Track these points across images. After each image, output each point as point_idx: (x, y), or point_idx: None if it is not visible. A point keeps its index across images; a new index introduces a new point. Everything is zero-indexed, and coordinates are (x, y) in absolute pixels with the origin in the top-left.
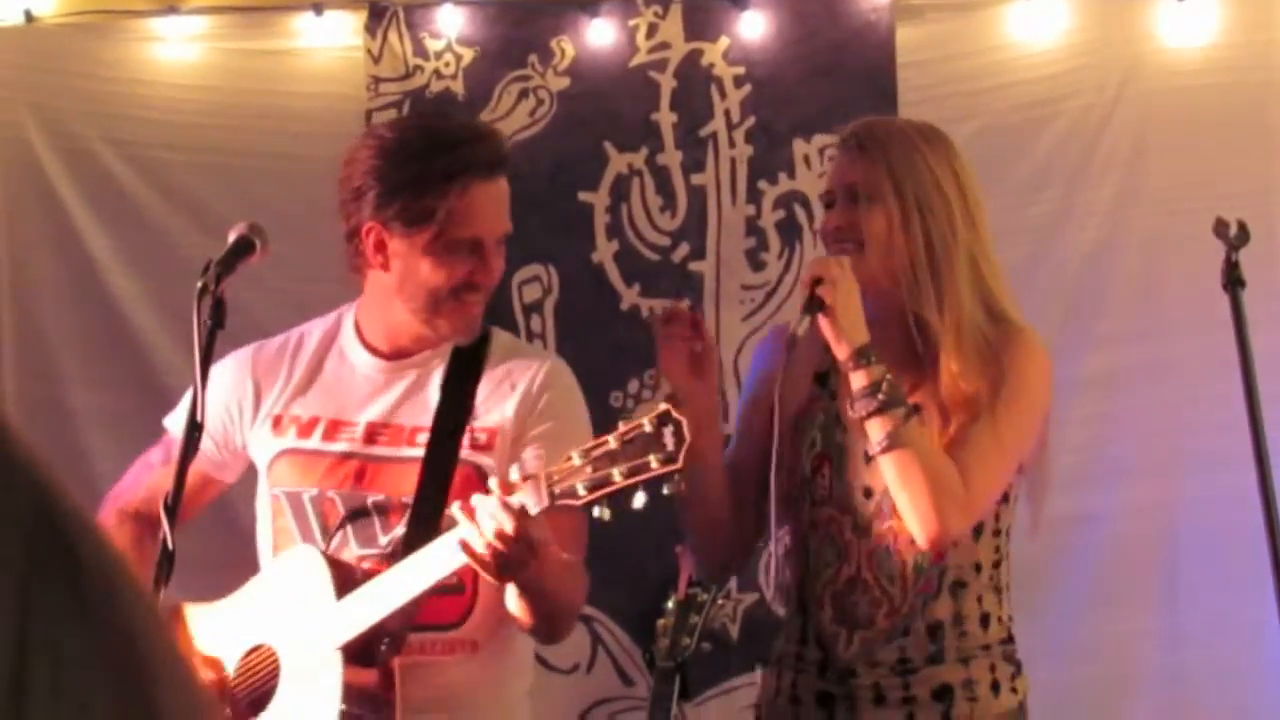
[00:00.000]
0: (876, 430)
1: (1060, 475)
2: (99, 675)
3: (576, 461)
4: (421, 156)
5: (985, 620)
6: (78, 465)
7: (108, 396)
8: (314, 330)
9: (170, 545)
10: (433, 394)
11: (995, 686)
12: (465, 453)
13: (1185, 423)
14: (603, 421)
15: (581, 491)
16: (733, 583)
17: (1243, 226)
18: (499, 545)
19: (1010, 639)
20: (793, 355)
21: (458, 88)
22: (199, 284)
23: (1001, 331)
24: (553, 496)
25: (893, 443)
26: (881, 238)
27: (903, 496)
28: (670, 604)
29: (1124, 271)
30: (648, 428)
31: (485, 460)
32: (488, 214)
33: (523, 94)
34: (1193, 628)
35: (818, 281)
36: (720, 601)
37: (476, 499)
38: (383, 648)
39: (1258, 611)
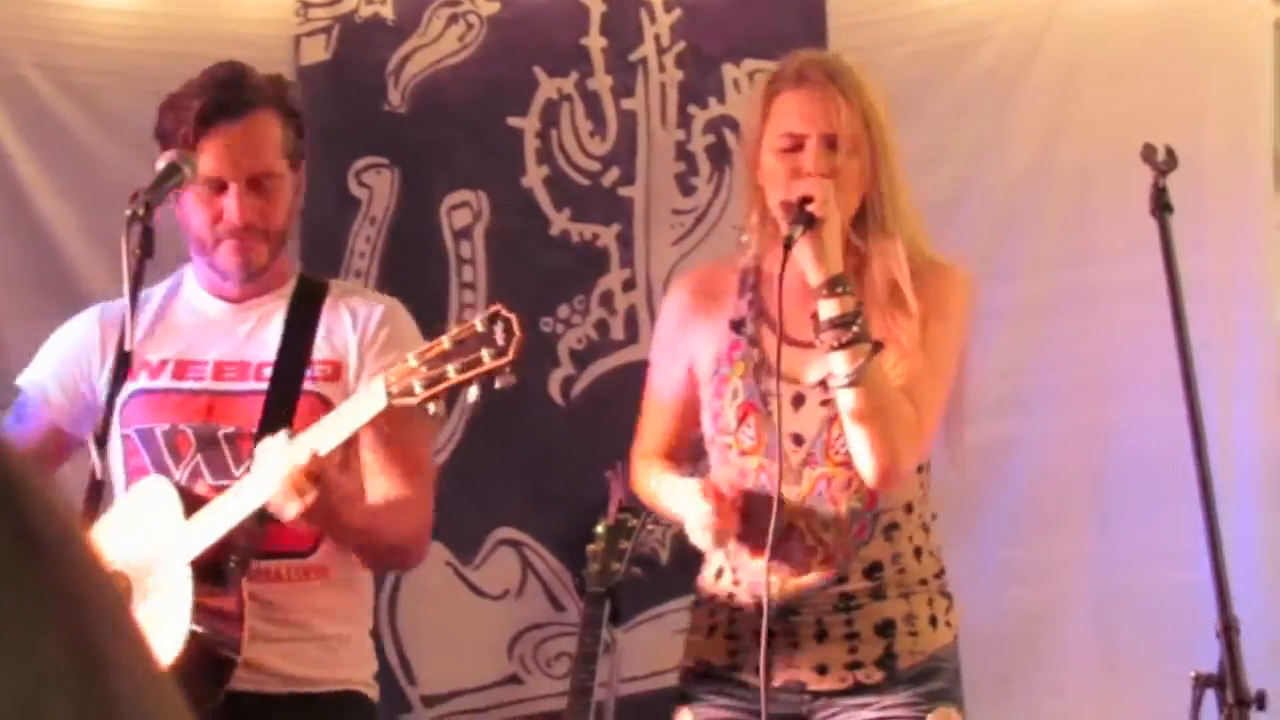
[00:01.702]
0: (844, 363)
1: (988, 400)
2: (47, 633)
3: (412, 363)
4: (175, 105)
5: (919, 554)
6: (7, 399)
7: (40, 327)
8: (159, 286)
9: (99, 475)
10: (276, 331)
11: (933, 620)
12: (309, 384)
13: (1114, 348)
14: (536, 347)
15: (418, 390)
16: None
17: (1170, 152)
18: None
19: (942, 571)
20: (711, 303)
21: (387, 12)
22: (127, 212)
23: (927, 269)
24: (390, 396)
25: (859, 377)
26: (852, 189)
27: (861, 433)
28: (600, 529)
29: (1054, 197)
30: (479, 327)
31: (329, 390)
32: (230, 156)
33: (452, 19)
34: (1123, 553)
35: (806, 200)
36: (650, 527)
37: (265, 441)
38: (231, 565)
39: (1187, 536)
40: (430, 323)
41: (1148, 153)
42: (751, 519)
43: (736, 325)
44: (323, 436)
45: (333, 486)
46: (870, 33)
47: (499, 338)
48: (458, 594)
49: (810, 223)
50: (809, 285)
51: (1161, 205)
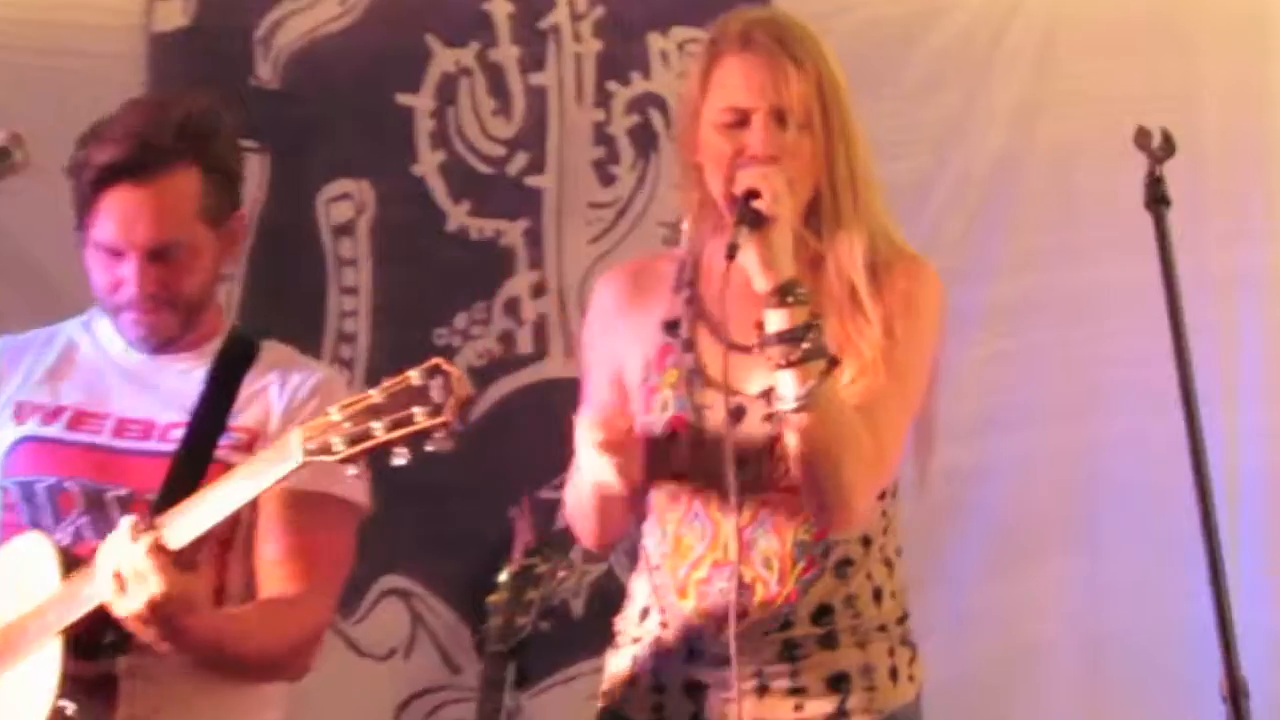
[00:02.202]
0: (792, 384)
1: (960, 420)
2: None
3: (334, 417)
4: (87, 144)
5: (878, 596)
6: None
7: None
8: (69, 324)
9: None
10: (192, 391)
11: (894, 673)
12: (222, 452)
13: (1103, 358)
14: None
15: (338, 447)
16: (576, 551)
17: (1167, 137)
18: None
19: (905, 616)
20: (642, 300)
21: None
22: None
23: (896, 263)
24: (306, 452)
25: (810, 402)
26: (805, 173)
27: (808, 466)
28: (503, 577)
29: (1033, 186)
30: (415, 380)
31: (242, 461)
32: (126, 225)
33: None
34: (1113, 591)
35: (752, 195)
36: (562, 573)
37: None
38: (109, 638)
39: (1188, 571)
40: (305, 335)
41: (1141, 137)
42: (678, 554)
43: (669, 326)
44: (193, 519)
45: (170, 587)
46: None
47: (435, 394)
48: (336, 653)
49: (757, 222)
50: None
51: (1157, 197)
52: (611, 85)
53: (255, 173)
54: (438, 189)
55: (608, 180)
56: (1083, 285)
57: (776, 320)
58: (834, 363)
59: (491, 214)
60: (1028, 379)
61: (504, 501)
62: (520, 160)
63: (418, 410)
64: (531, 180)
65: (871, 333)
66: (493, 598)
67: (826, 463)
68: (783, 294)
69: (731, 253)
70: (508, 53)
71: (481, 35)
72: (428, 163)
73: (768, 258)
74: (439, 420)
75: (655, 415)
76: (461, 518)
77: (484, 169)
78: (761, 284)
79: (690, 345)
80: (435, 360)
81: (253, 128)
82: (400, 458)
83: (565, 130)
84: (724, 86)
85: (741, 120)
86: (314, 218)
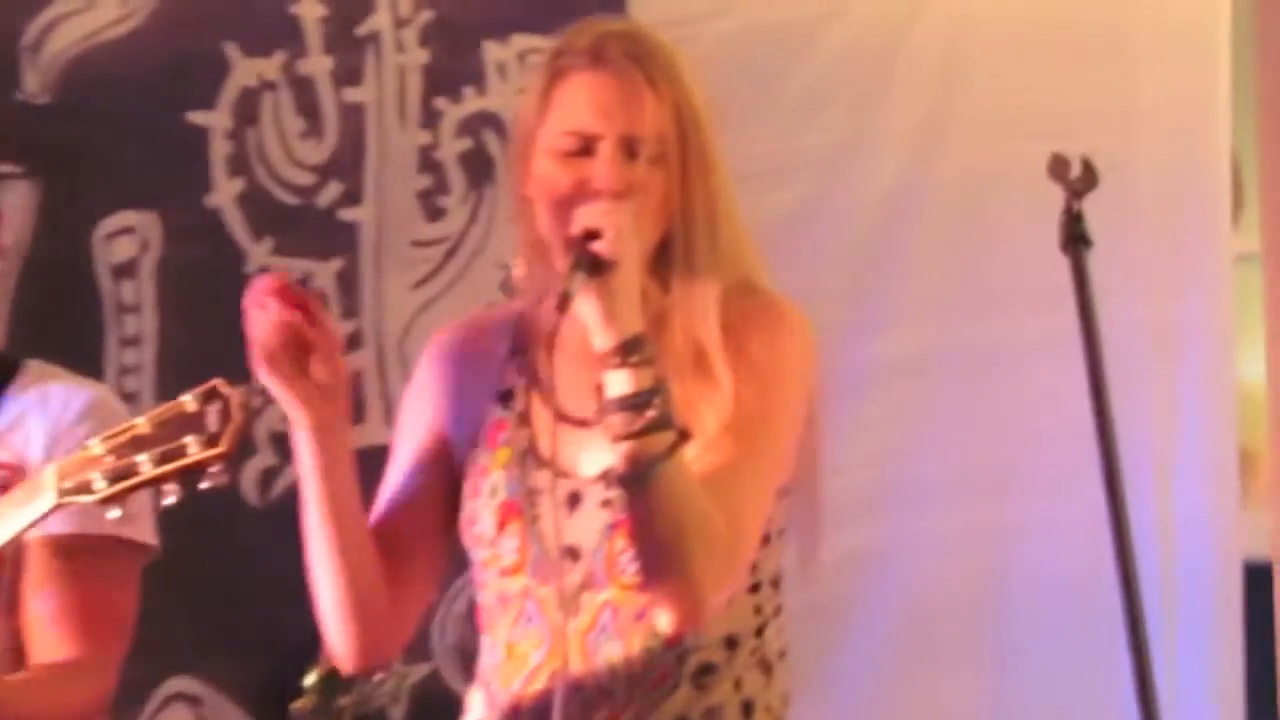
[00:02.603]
0: (632, 461)
1: (853, 497)
2: None
3: (95, 450)
4: None
5: (748, 709)
6: None
7: None
8: None
9: None
10: None
11: None
12: None
13: (1014, 425)
14: None
15: (99, 485)
16: None
17: (1088, 166)
18: None
19: None
20: (474, 365)
21: None
22: None
23: (753, 313)
24: (60, 492)
25: (652, 481)
26: (656, 210)
27: (656, 559)
28: (310, 679)
29: (933, 222)
30: (189, 406)
31: None
32: None
33: None
34: (1030, 699)
35: (592, 235)
36: (379, 675)
37: None
38: None
39: (1116, 678)
40: None
41: (1057, 167)
42: (510, 663)
43: (503, 397)
44: None
45: None
46: (686, 2)
47: (212, 422)
48: None
49: (597, 267)
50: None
51: (1075, 236)
52: (440, 102)
53: (21, 203)
54: (236, 223)
55: (435, 214)
56: (993, 339)
57: (618, 383)
58: (684, 435)
59: (299, 253)
60: (929, 448)
61: (310, 591)
62: (333, 190)
63: (190, 440)
64: (346, 213)
65: (720, 399)
66: (297, 704)
67: (673, 551)
68: (626, 352)
69: (564, 303)
70: (319, 64)
71: (288, 43)
72: (224, 192)
73: (609, 309)
74: (214, 452)
75: (484, 501)
76: (260, 610)
77: (290, 200)
78: (602, 340)
79: (525, 419)
80: (213, 382)
81: (17, 149)
82: (171, 495)
83: (386, 155)
84: (567, 107)
85: (585, 148)
86: (90, 255)
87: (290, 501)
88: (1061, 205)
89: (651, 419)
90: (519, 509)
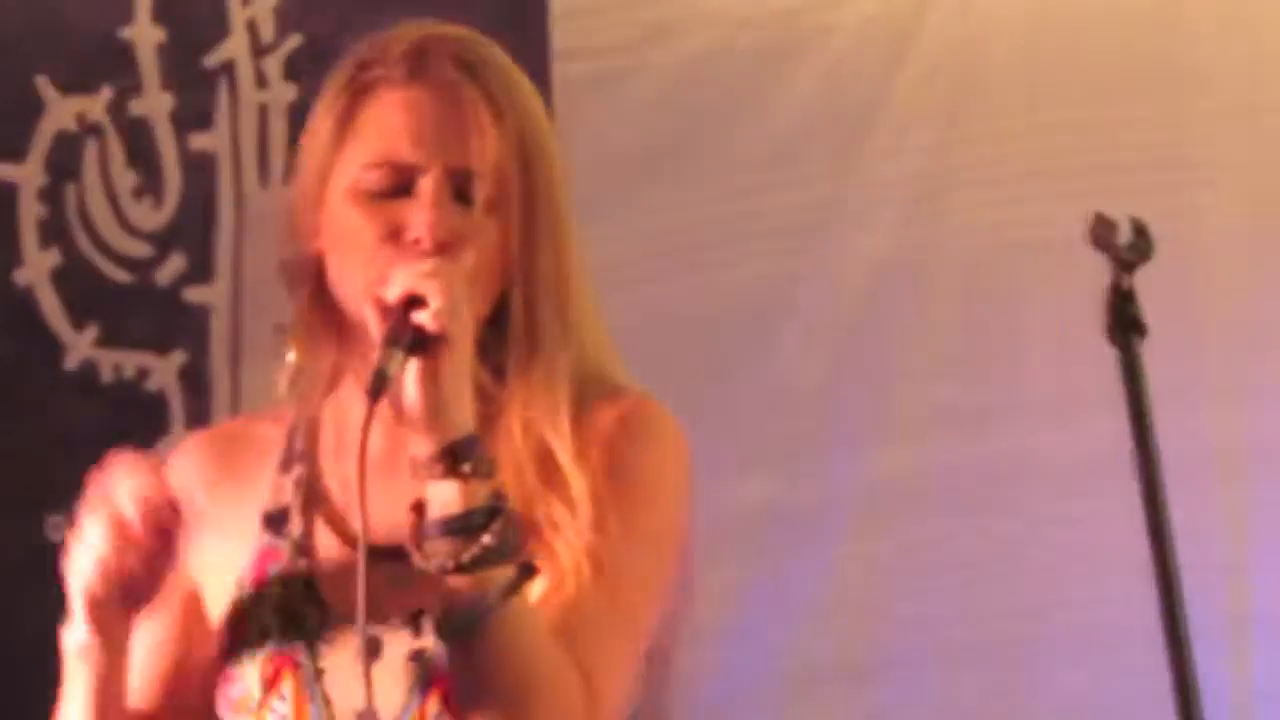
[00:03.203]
0: (460, 601)
1: (824, 664)
2: None
3: None
4: None
5: None
6: None
7: None
8: None
9: None
10: None
11: None
12: None
13: (1045, 580)
14: (32, 564)
15: None
16: None
17: (1141, 230)
18: None
19: None
20: (234, 480)
21: None
22: None
23: (610, 409)
24: None
25: (487, 628)
26: (490, 269)
27: None
28: None
29: (935, 303)
30: None
31: None
32: None
33: None
34: None
35: (414, 303)
36: None
37: None
38: None
39: None
40: None
41: (1100, 230)
42: None
43: (272, 521)
44: None
45: None
46: (614, 19)
47: None
48: None
49: (420, 345)
50: (407, 449)
51: (1125, 321)
52: None
53: None
54: (50, 305)
55: None
56: (1012, 462)
57: (444, 499)
58: (528, 569)
59: (132, 344)
60: (924, 601)
61: None
62: (175, 263)
63: None
64: (193, 293)
65: (574, 521)
66: None
67: (512, 717)
68: (455, 458)
69: (377, 389)
70: (157, 102)
71: (118, 76)
72: (36, 266)
73: (434, 400)
74: None
75: (244, 653)
76: None
77: (121, 276)
78: (423, 444)
79: (304, 548)
80: None
81: None
82: None
83: (243, 219)
84: (375, 133)
85: (399, 185)
86: None
87: None
88: (1107, 281)
89: (487, 546)
90: (294, 661)
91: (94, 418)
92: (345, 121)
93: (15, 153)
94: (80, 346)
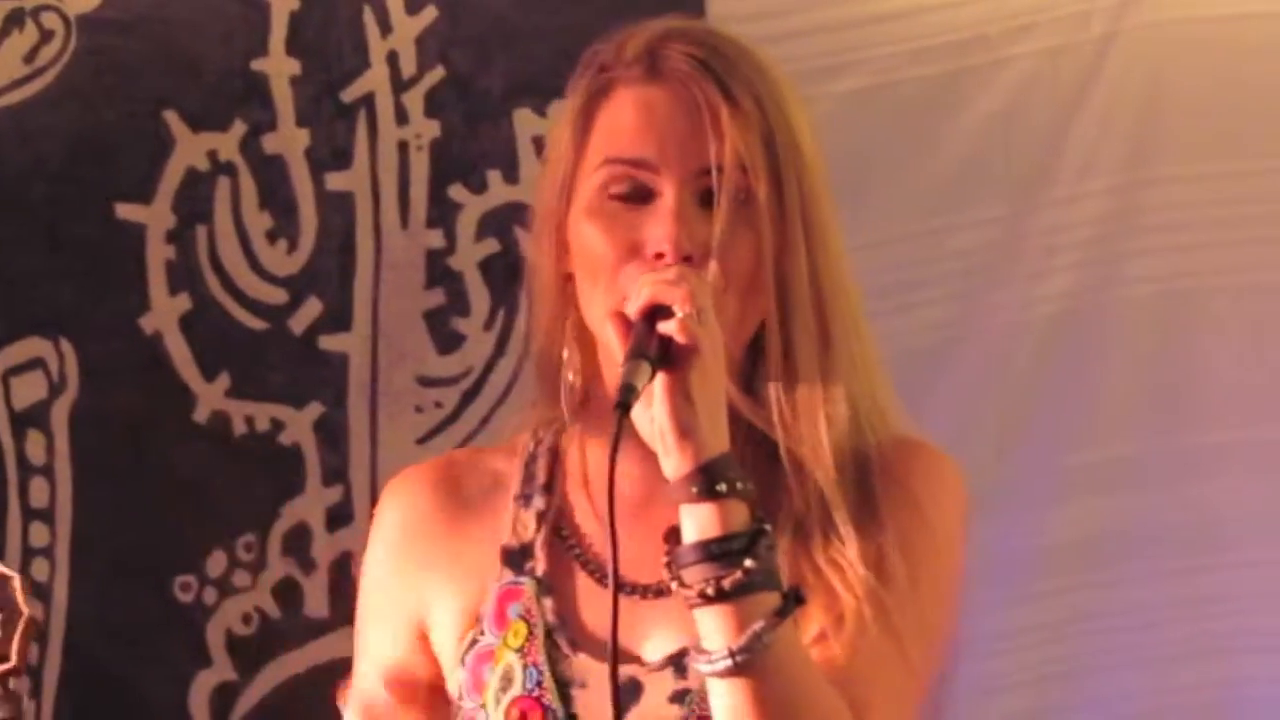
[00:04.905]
0: (722, 630)
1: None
2: None
3: None
4: None
5: None
6: None
7: None
8: None
9: None
10: None
11: None
12: None
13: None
14: (161, 626)
15: None
16: None
17: None
18: None
19: None
20: (463, 516)
21: None
22: None
23: (892, 452)
24: None
25: (754, 660)
26: (746, 276)
27: None
28: None
29: (1130, 348)
30: None
31: None
32: None
33: (14, 19)
34: None
35: (657, 313)
36: None
37: None
38: None
39: None
40: None
41: None
42: None
43: (512, 556)
44: None
45: None
46: (787, 48)
47: None
48: None
49: (667, 358)
50: (661, 476)
51: None
52: (456, 192)
53: None
54: (179, 354)
55: (450, 342)
56: (1216, 510)
57: (699, 522)
58: (796, 597)
59: (264, 395)
60: (1143, 658)
61: None
62: (311, 309)
63: None
64: (328, 342)
65: (851, 565)
66: None
67: None
68: (709, 478)
69: (626, 401)
70: (292, 139)
71: (250, 111)
72: (165, 313)
73: (684, 417)
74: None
75: (490, 698)
76: None
77: (254, 323)
78: (674, 465)
79: (549, 586)
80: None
81: None
82: None
83: (383, 262)
84: (610, 132)
85: (640, 190)
86: None
87: None
88: None
89: (751, 570)
90: (542, 706)
91: (225, 472)
92: (583, 126)
93: (143, 193)
94: (211, 397)
